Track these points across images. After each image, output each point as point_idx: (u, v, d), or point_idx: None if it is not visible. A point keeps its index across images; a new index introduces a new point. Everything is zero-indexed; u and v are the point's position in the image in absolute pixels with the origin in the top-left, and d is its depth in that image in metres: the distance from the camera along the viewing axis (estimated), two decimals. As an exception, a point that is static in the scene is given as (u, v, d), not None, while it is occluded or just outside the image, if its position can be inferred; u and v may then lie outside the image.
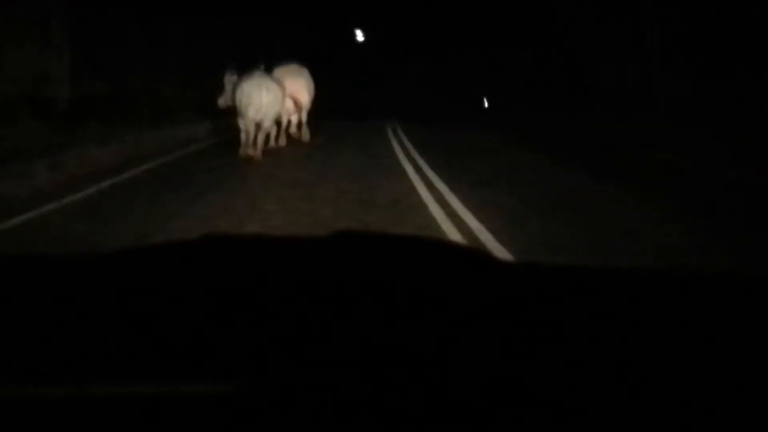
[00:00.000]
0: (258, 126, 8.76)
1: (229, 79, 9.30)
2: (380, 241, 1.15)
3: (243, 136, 8.81)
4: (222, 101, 9.44)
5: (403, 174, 7.65)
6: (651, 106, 13.92)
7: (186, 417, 0.53)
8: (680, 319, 0.77)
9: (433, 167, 8.06)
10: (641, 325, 0.75)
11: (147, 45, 12.74)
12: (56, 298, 0.78)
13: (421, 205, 5.79)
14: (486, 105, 25.69)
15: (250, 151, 8.65)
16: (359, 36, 29.96)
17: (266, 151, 9.00)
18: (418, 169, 7.97)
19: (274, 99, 8.83)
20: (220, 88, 9.45)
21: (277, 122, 9.80)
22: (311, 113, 10.85)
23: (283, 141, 10.21)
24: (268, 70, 9.44)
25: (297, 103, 10.29)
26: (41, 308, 0.74)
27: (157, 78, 12.85)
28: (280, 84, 9.20)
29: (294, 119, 10.62)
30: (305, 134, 10.74)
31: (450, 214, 5.36)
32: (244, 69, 9.13)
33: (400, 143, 11.38)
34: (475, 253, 1.14)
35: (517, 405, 0.56)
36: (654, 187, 6.79)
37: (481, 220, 5.07)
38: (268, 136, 9.44)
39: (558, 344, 0.68)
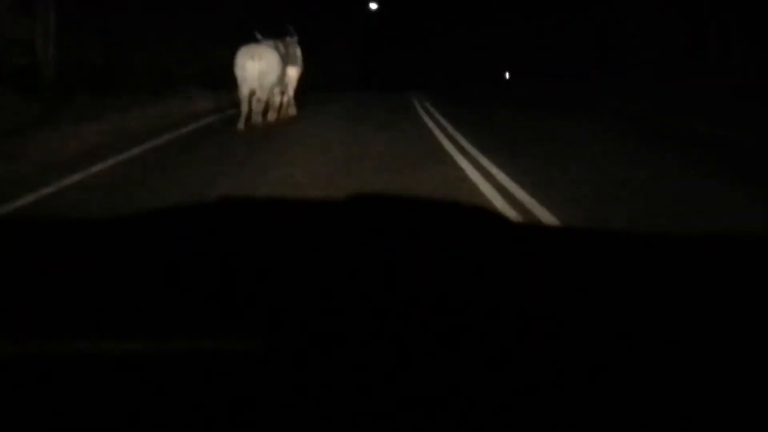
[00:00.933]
0: (255, 97, 8.24)
1: None
2: (399, 204, 1.17)
3: (244, 107, 8.23)
4: None
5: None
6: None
7: (199, 376, 0.51)
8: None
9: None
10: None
11: (148, 8, 11.78)
12: (73, 259, 0.77)
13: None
14: (507, 77, 24.60)
15: (244, 124, 8.07)
16: (373, 5, 28.82)
17: (270, 122, 8.45)
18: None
19: (268, 66, 8.20)
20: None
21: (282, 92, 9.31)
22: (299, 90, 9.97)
23: (293, 110, 9.69)
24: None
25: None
26: (58, 269, 0.72)
27: (158, 47, 11.87)
28: (276, 50, 8.58)
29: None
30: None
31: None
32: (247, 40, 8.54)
33: (430, 115, 10.96)
34: (486, 214, 1.15)
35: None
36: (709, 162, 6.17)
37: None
38: (266, 108, 8.78)
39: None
